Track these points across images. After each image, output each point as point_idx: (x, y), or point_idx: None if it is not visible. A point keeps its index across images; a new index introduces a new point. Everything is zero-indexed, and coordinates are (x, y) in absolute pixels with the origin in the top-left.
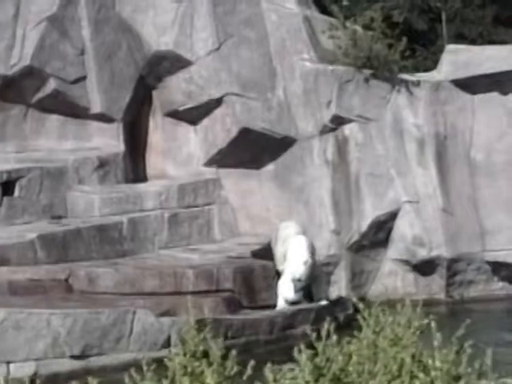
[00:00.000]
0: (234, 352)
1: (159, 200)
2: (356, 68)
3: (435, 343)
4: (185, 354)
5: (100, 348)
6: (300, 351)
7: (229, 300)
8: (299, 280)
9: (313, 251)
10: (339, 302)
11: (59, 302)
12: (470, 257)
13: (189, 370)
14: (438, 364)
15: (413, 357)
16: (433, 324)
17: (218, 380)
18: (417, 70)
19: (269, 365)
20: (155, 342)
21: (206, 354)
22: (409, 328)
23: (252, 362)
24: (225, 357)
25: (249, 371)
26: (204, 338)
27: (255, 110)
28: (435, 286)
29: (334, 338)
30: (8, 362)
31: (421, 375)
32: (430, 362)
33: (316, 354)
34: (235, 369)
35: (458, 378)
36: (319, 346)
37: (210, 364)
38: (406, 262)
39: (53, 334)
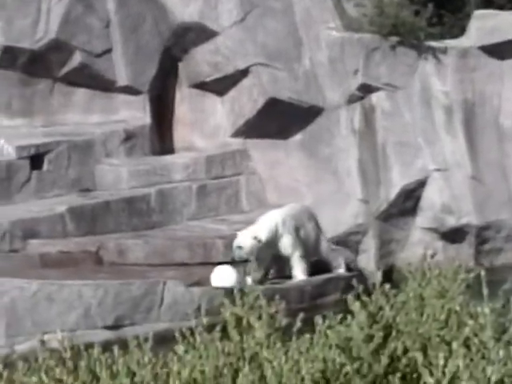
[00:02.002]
0: (283, 304)
1: (187, 172)
2: (382, 36)
3: (485, 291)
4: (237, 307)
5: (131, 318)
6: (353, 300)
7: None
8: (239, 247)
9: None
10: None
11: (90, 274)
12: (499, 224)
13: (239, 323)
14: (486, 311)
15: (461, 306)
16: (482, 273)
17: (268, 332)
18: (444, 37)
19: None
20: (186, 312)
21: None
22: (455, 281)
23: (301, 315)
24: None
25: (298, 324)
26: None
27: (282, 80)
28: (464, 254)
29: (387, 286)
30: (41, 334)
31: (470, 322)
32: (478, 309)
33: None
34: (285, 321)
35: (505, 326)
36: (372, 295)
37: (259, 317)
38: (435, 231)
39: (84, 305)
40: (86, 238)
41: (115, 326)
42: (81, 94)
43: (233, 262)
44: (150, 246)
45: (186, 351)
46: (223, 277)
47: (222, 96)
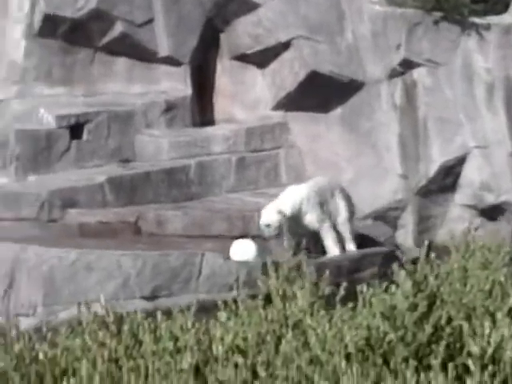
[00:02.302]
0: (327, 272)
1: (227, 144)
2: (425, 11)
3: None
4: (278, 278)
5: (169, 289)
6: (399, 269)
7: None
8: (267, 226)
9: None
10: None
11: (128, 245)
12: None
13: (281, 292)
14: None
15: (505, 277)
16: None
17: (311, 300)
18: (487, 13)
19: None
20: (224, 284)
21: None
22: (498, 253)
23: (344, 283)
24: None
25: (342, 292)
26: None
27: (323, 53)
28: (502, 231)
29: (433, 254)
30: (79, 303)
31: None
32: None
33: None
34: (328, 289)
35: None
36: (418, 264)
37: (302, 287)
38: (474, 208)
39: (123, 275)
40: (125, 208)
41: (153, 297)
42: (121, 63)
43: (256, 238)
44: (189, 218)
45: (229, 318)
46: (243, 251)
47: (262, 68)
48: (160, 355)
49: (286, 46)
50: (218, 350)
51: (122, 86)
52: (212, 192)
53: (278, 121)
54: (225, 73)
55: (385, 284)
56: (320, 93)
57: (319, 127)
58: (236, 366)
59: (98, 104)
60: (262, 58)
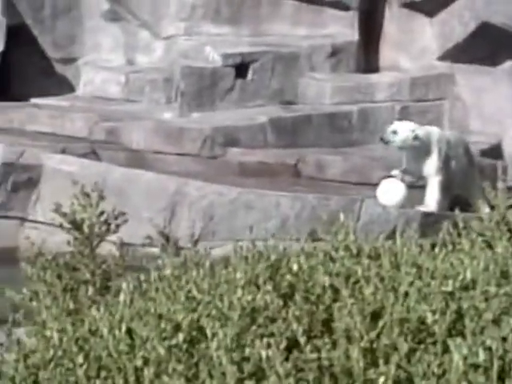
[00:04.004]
0: None
1: (390, 92)
2: None
3: None
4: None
5: (326, 233)
6: None
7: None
8: (394, 132)
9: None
10: None
11: (287, 186)
12: None
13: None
14: None
15: None
16: None
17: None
18: None
19: None
20: (381, 232)
21: None
22: None
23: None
24: None
25: None
26: None
27: (496, 3)
28: None
29: None
30: (237, 241)
31: None
32: None
33: None
34: None
35: None
36: None
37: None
38: None
39: (281, 216)
40: (285, 150)
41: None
42: (289, 5)
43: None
44: (349, 164)
45: None
46: (391, 191)
47: (431, 17)
48: None
49: None
50: None
51: (288, 28)
52: (373, 139)
53: (443, 71)
54: (392, 20)
55: None
56: (489, 45)
57: (486, 80)
58: None
59: (264, 44)
60: (431, 7)
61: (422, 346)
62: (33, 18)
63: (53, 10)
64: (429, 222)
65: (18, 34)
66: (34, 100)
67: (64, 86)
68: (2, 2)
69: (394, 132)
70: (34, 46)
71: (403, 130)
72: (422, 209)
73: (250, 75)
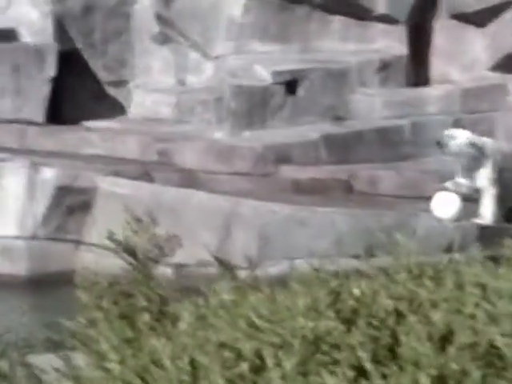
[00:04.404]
0: None
1: (441, 104)
2: None
3: None
4: None
5: (382, 249)
6: None
7: None
8: (452, 137)
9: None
10: None
11: (340, 202)
12: None
13: None
14: None
15: None
16: None
17: None
18: None
19: None
20: (437, 246)
21: None
22: None
23: None
24: None
25: None
26: None
27: None
28: None
29: None
30: (291, 259)
31: None
32: None
33: None
34: None
35: None
36: None
37: None
38: None
39: (336, 232)
40: (338, 166)
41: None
42: (337, 21)
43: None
44: (402, 178)
45: None
46: (446, 204)
47: (481, 28)
48: None
49: (508, 5)
50: None
51: (337, 43)
52: (426, 152)
53: (494, 82)
54: (442, 32)
55: None
56: None
57: None
58: None
59: (313, 61)
60: (481, 18)
61: (493, 371)
62: (84, 43)
63: (103, 35)
64: (486, 235)
65: (70, 59)
66: (86, 123)
67: (115, 109)
68: (53, 28)
69: (451, 137)
70: (85, 70)
71: (459, 136)
72: (478, 221)
73: (300, 92)
